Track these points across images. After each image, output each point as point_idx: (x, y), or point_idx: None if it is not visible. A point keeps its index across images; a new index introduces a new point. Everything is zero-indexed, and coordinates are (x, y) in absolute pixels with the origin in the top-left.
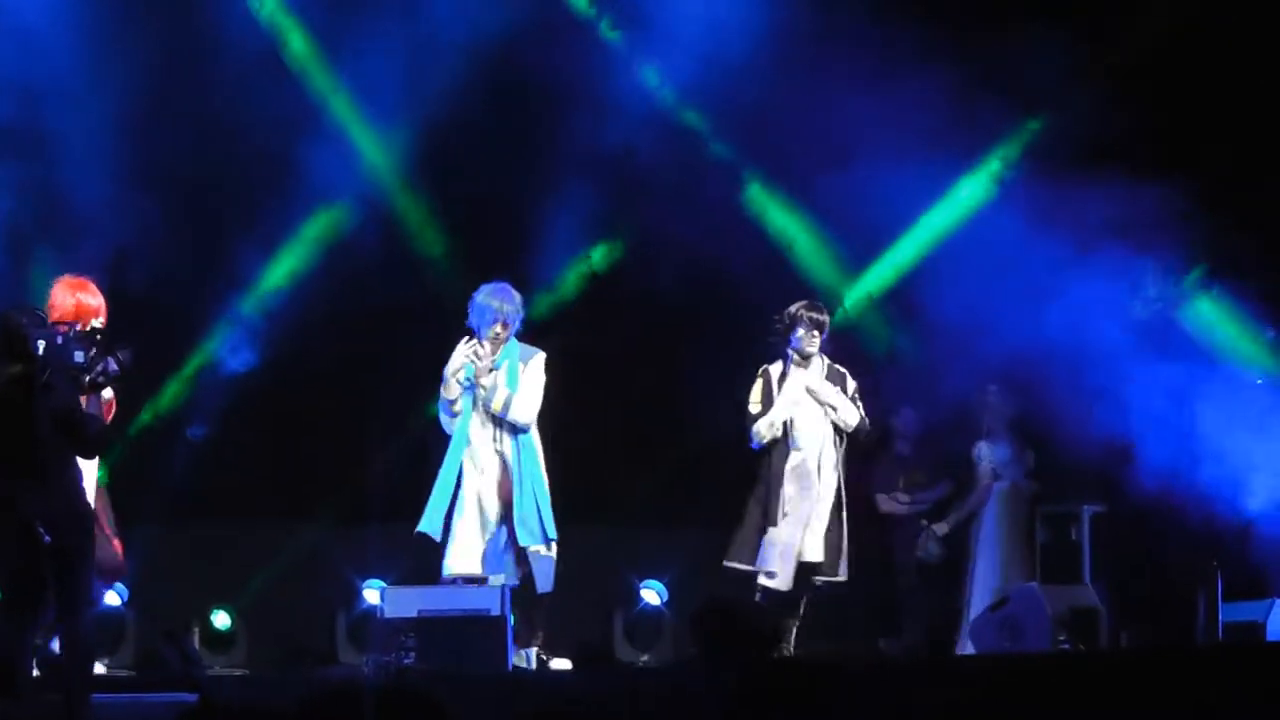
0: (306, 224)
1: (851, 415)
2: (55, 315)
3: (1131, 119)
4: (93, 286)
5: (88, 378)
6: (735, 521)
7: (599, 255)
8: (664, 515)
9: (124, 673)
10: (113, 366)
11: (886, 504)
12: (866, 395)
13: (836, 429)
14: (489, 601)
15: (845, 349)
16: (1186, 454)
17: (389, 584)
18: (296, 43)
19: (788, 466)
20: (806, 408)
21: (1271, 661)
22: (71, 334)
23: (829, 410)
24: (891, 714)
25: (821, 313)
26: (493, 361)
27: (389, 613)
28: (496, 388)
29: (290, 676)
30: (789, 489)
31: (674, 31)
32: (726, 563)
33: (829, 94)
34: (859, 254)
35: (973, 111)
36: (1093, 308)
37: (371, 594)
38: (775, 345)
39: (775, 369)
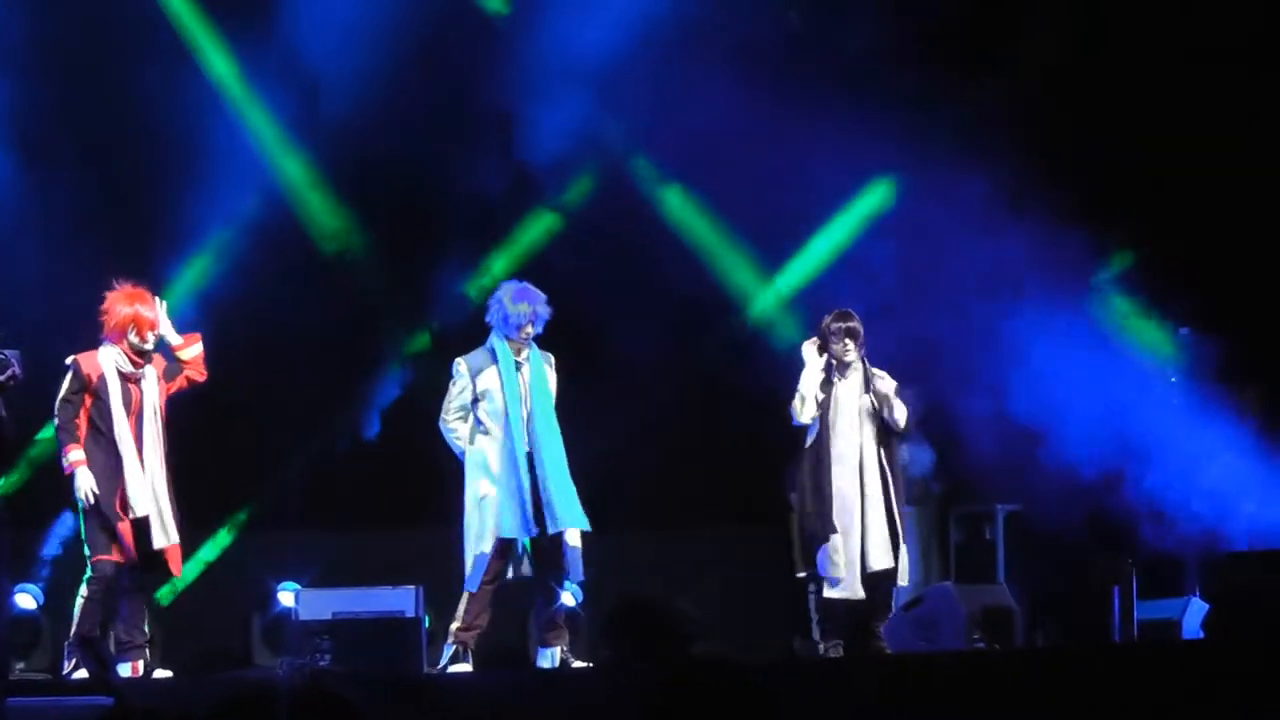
0: (215, 230)
1: (900, 412)
2: (110, 324)
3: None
4: (149, 296)
5: None
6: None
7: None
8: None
9: (39, 676)
10: (17, 370)
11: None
12: (778, 398)
13: (881, 429)
14: (404, 603)
15: (758, 352)
16: (1100, 449)
17: (303, 586)
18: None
19: (833, 471)
20: (846, 410)
21: (1186, 659)
22: None
23: (885, 409)
24: (807, 713)
25: (849, 320)
26: None
27: (304, 615)
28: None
29: (204, 679)
30: (837, 494)
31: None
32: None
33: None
34: (771, 256)
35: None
36: (997, 302)
37: (286, 596)
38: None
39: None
